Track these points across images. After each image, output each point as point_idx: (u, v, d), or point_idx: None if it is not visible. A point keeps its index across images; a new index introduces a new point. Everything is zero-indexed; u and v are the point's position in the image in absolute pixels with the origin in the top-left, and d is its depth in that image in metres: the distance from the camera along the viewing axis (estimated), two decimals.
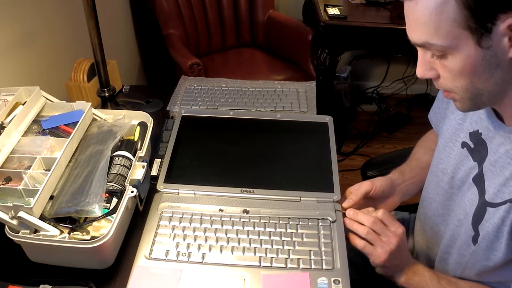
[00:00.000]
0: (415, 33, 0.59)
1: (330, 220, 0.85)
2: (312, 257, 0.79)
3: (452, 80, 0.61)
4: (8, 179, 0.81)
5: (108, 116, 0.99)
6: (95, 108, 1.00)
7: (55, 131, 0.92)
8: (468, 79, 0.59)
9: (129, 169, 0.85)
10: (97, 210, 0.77)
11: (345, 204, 0.85)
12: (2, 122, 0.87)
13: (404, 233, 0.77)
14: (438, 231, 0.84)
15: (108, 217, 0.77)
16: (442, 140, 0.80)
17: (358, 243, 0.78)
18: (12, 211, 0.71)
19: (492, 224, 0.66)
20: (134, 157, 0.88)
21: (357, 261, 1.07)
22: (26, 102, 0.91)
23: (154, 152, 1.04)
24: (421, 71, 0.63)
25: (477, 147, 0.72)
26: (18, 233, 0.74)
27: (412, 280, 0.78)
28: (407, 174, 0.94)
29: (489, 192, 0.68)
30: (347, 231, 0.82)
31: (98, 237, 0.72)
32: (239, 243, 0.81)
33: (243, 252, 0.80)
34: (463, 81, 0.60)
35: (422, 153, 0.98)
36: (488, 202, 0.68)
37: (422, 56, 0.62)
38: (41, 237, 0.73)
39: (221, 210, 0.87)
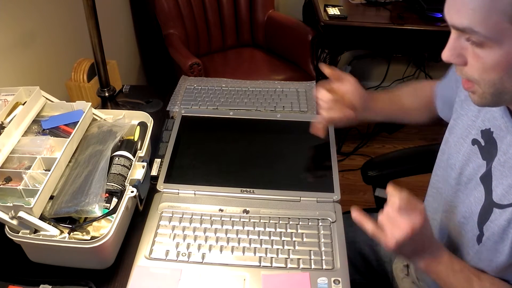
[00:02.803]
0: (458, 16, 0.56)
1: (330, 220, 0.85)
2: (312, 257, 0.79)
3: (481, 72, 0.58)
4: (8, 179, 0.81)
5: (108, 116, 0.99)
6: (95, 108, 1.00)
7: (55, 131, 0.92)
8: (499, 75, 0.57)
9: (129, 169, 0.85)
10: (97, 210, 0.77)
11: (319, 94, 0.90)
12: (2, 122, 0.87)
13: (420, 223, 0.68)
14: (442, 228, 0.83)
15: (108, 217, 0.77)
16: (453, 136, 0.79)
17: (367, 227, 0.72)
18: (12, 211, 0.71)
19: (498, 226, 0.66)
20: (134, 157, 0.88)
21: (357, 261, 1.08)
22: (26, 102, 0.91)
23: (154, 152, 1.04)
24: (448, 55, 0.60)
25: (488, 146, 0.71)
26: (18, 233, 0.74)
27: (433, 268, 0.73)
28: (377, 103, 0.95)
29: (496, 193, 0.67)
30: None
31: (98, 237, 0.72)
32: (239, 243, 0.81)
33: (243, 252, 0.80)
34: (493, 75, 0.57)
35: (405, 95, 0.98)
36: (495, 203, 0.67)
37: (455, 40, 0.59)
38: (41, 237, 0.73)
39: (221, 210, 0.87)
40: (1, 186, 0.80)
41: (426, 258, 0.72)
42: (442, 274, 0.72)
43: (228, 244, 0.81)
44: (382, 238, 0.69)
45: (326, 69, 0.90)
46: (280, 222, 0.85)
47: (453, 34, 0.60)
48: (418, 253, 0.72)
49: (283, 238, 0.82)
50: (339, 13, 1.93)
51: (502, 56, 0.55)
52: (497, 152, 0.68)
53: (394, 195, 0.69)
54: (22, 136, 0.87)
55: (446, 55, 0.61)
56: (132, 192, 0.80)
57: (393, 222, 0.68)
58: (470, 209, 0.72)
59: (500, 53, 0.55)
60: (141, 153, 0.89)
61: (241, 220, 0.85)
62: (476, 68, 0.59)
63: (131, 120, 1.00)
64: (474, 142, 0.74)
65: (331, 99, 0.89)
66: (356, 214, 0.73)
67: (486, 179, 0.69)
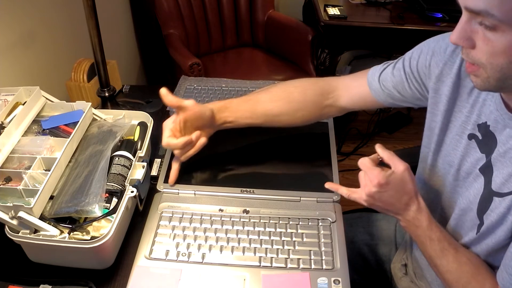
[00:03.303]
0: None
1: (330, 220, 0.85)
2: (312, 257, 0.79)
3: (489, 56, 0.58)
4: (8, 179, 0.81)
5: (108, 116, 0.99)
6: (95, 108, 1.00)
7: (55, 131, 0.92)
8: (508, 59, 0.57)
9: (129, 169, 0.85)
10: (97, 210, 0.77)
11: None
12: (2, 122, 0.87)
13: (377, 185, 0.73)
14: (441, 222, 0.83)
15: (108, 217, 0.77)
16: (449, 134, 0.80)
17: (342, 191, 0.80)
18: (12, 211, 0.71)
19: (497, 214, 0.66)
20: (134, 157, 0.88)
21: (356, 261, 1.08)
22: (26, 102, 0.91)
23: (154, 152, 1.03)
24: (457, 37, 0.60)
25: (485, 139, 0.71)
26: (18, 233, 0.74)
27: (412, 231, 0.76)
28: (232, 113, 0.91)
29: (496, 182, 0.67)
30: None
31: (98, 237, 0.72)
32: (239, 243, 0.81)
33: (243, 252, 0.80)
34: (501, 60, 0.57)
35: (272, 100, 0.93)
36: (495, 192, 0.67)
37: (466, 22, 0.59)
38: (41, 237, 0.73)
39: (221, 210, 0.87)
40: (1, 186, 0.80)
41: (406, 220, 0.76)
42: (421, 238, 0.76)
43: (228, 244, 0.81)
44: (357, 197, 0.77)
45: (165, 99, 0.85)
46: (280, 222, 0.85)
47: (464, 17, 0.59)
48: (391, 209, 0.76)
49: (283, 238, 0.82)
50: (339, 13, 1.93)
51: None
52: (496, 145, 0.68)
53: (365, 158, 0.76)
54: (22, 136, 0.87)
55: (454, 37, 0.60)
56: (132, 192, 0.80)
57: (362, 182, 0.76)
58: (469, 200, 0.72)
59: None
60: (141, 153, 0.89)
61: (241, 220, 0.85)
62: (485, 51, 0.58)
63: (131, 120, 1.00)
64: (471, 136, 0.74)
65: (180, 145, 0.85)
66: (330, 184, 0.84)
67: (487, 171, 0.69)
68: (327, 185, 0.84)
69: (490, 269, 0.72)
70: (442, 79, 0.78)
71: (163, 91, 0.84)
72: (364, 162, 0.75)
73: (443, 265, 0.73)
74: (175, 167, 0.91)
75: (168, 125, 0.88)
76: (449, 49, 0.76)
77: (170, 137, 0.86)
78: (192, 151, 0.89)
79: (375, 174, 0.73)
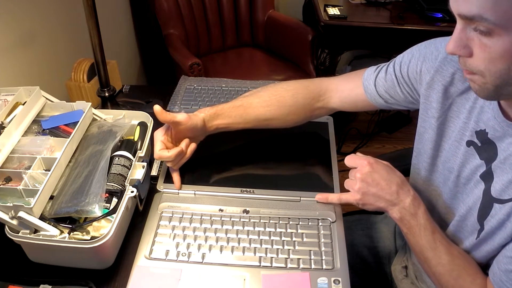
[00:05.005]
0: (466, 4, 0.55)
1: (330, 220, 0.85)
2: (312, 257, 0.79)
3: (487, 62, 0.57)
4: (8, 179, 0.81)
5: (108, 116, 0.99)
6: (95, 108, 1.00)
7: (55, 131, 0.92)
8: (507, 64, 0.56)
9: (129, 169, 0.85)
10: (97, 210, 0.77)
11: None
12: (2, 122, 0.87)
13: (368, 164, 0.79)
14: (441, 227, 0.83)
15: (108, 217, 0.77)
16: (448, 141, 0.79)
17: (333, 198, 0.86)
18: (12, 211, 0.71)
19: (497, 220, 0.66)
20: (134, 157, 0.88)
21: (356, 264, 1.07)
22: (26, 102, 0.91)
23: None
24: (454, 46, 0.59)
25: (484, 146, 0.71)
26: (18, 233, 0.74)
27: (406, 221, 0.76)
28: (224, 120, 0.91)
29: (495, 188, 0.67)
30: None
31: (98, 237, 0.72)
32: (239, 243, 0.81)
33: (243, 252, 0.80)
34: (500, 65, 0.57)
35: (257, 104, 0.92)
36: (495, 198, 0.67)
37: (461, 30, 0.58)
38: (41, 237, 0.73)
39: (221, 210, 0.87)
40: (1, 186, 0.80)
41: (402, 208, 0.77)
42: (414, 229, 0.76)
43: (228, 244, 0.81)
44: (349, 197, 0.81)
45: (160, 117, 0.84)
46: (280, 222, 0.85)
47: (459, 25, 0.59)
48: (384, 196, 0.77)
49: (283, 238, 0.82)
50: (339, 13, 1.93)
51: (510, 44, 0.54)
52: (497, 152, 0.68)
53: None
54: (22, 136, 0.87)
55: (451, 47, 0.60)
56: (132, 192, 0.80)
57: (348, 181, 0.82)
58: (469, 206, 0.72)
59: (509, 40, 0.54)
60: (141, 153, 0.89)
61: (241, 220, 0.85)
62: (482, 58, 0.58)
63: (131, 120, 1.00)
64: (470, 143, 0.74)
65: (173, 157, 0.86)
66: (319, 197, 0.88)
67: (488, 177, 0.69)
68: (317, 198, 0.88)
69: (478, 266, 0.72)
70: (433, 86, 0.78)
71: (157, 108, 0.84)
72: (349, 156, 0.82)
73: (435, 257, 0.73)
74: (176, 173, 0.91)
75: (159, 137, 0.88)
76: (441, 56, 0.76)
77: (162, 149, 0.86)
78: (184, 160, 0.90)
79: (363, 158, 0.80)
